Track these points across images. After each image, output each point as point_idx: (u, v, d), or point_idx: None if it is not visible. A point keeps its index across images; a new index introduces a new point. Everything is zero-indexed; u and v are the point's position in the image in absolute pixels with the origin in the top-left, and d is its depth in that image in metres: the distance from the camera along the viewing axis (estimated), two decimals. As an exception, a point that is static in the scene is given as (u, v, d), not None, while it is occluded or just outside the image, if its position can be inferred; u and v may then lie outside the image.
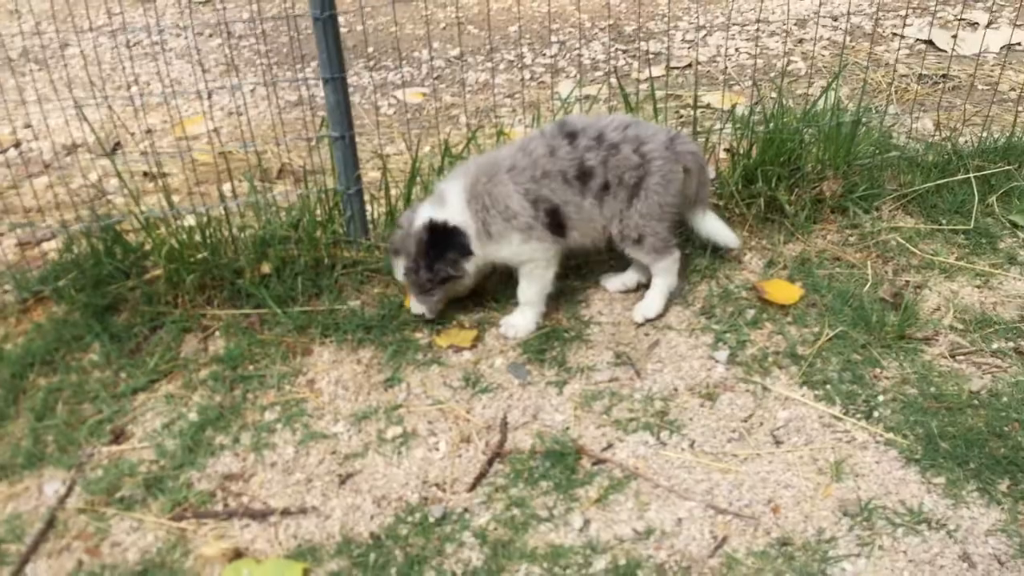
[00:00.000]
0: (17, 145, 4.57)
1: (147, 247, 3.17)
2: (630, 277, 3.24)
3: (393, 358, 3.02)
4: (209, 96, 4.93)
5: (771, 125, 3.54)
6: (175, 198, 3.60)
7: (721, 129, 3.77)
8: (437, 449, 2.71)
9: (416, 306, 3.03)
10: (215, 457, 2.70)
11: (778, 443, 2.70)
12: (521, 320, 3.06)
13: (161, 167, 3.98)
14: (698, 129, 3.61)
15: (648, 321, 3.11)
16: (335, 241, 3.32)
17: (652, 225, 2.99)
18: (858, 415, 2.77)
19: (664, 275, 3.10)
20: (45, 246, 3.49)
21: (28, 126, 4.70)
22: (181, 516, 2.53)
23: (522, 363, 2.99)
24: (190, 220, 3.20)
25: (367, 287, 3.28)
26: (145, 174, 4.12)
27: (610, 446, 2.70)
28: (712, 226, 3.22)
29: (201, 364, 3.01)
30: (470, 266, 2.94)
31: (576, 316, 3.18)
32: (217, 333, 3.12)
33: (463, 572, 2.35)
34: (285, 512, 2.53)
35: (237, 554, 2.42)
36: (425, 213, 2.89)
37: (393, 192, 3.44)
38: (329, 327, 3.11)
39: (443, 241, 2.87)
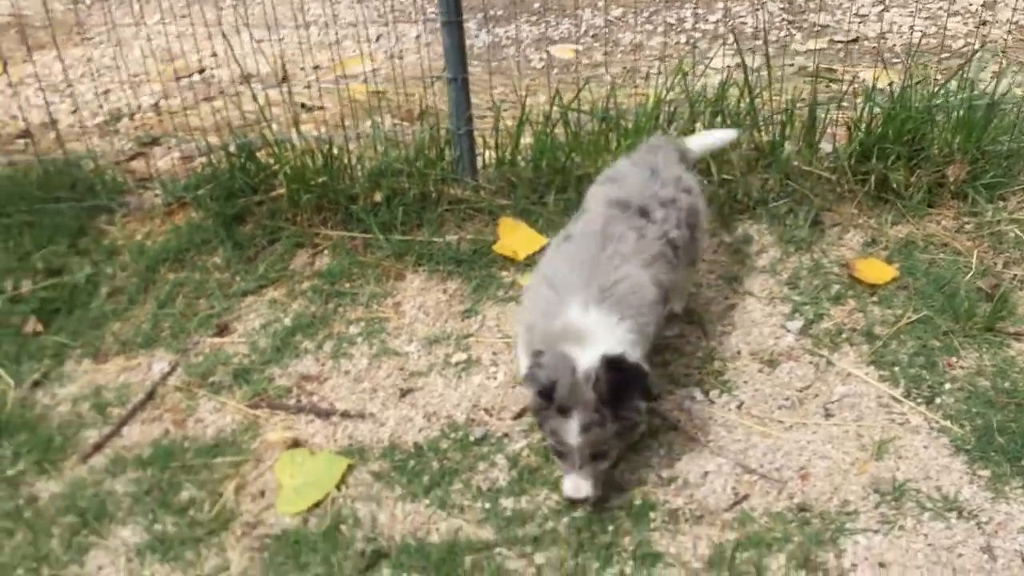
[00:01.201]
0: (201, 71, 5.06)
1: (275, 167, 3.49)
2: None
3: (476, 291, 3.20)
4: (373, 40, 5.26)
5: (897, 102, 3.43)
6: (322, 129, 3.91)
7: (839, 102, 3.67)
8: (494, 378, 2.88)
9: (579, 486, 2.35)
10: (298, 359, 2.99)
11: (828, 416, 2.69)
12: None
13: (312, 100, 4.32)
14: (818, 101, 3.54)
15: (675, 314, 2.96)
16: (443, 178, 3.53)
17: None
18: (919, 399, 2.70)
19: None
20: (199, 160, 3.90)
21: (214, 55, 5.19)
22: (257, 405, 2.84)
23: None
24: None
25: (467, 224, 3.47)
26: (303, 105, 4.47)
27: (657, 396, 2.77)
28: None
29: (305, 277, 3.31)
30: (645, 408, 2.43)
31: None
32: (325, 251, 3.41)
33: (488, 488, 2.52)
34: (346, 414, 2.78)
35: (296, 444, 2.70)
36: (584, 354, 2.30)
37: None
38: (424, 256, 3.33)
39: (625, 380, 2.29)
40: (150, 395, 2.90)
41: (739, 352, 2.92)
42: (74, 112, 4.56)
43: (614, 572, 2.29)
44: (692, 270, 2.97)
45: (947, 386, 2.73)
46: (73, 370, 3.01)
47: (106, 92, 4.70)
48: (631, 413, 2.33)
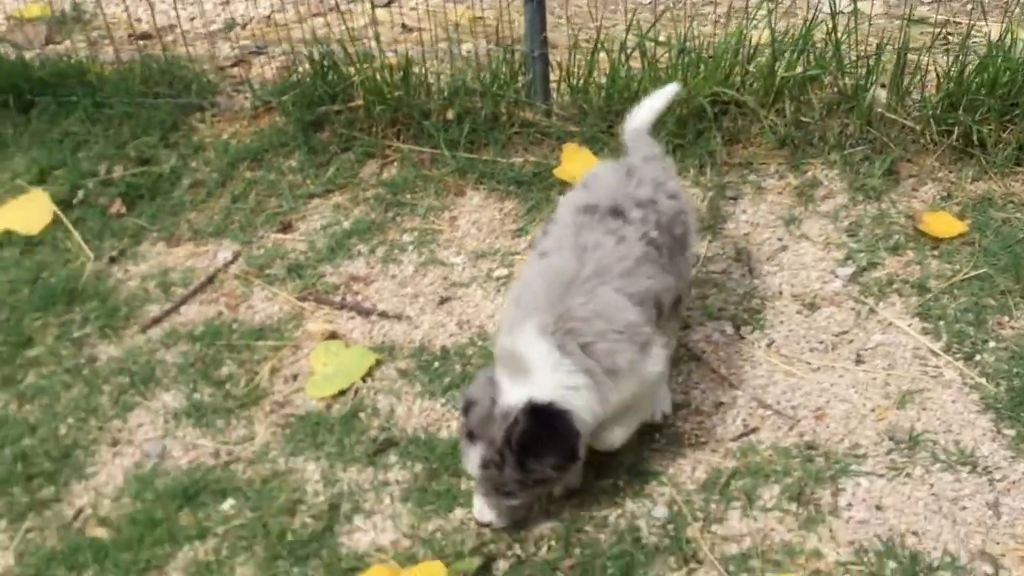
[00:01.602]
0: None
1: (354, 78, 3.61)
2: None
3: (529, 212, 3.26)
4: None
5: (995, 52, 3.26)
6: (418, 47, 3.99)
7: (928, 48, 3.49)
8: (532, 294, 2.93)
9: (483, 512, 2.18)
10: (350, 260, 3.13)
11: (859, 362, 2.64)
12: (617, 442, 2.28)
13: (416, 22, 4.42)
14: (909, 48, 3.39)
15: (667, 416, 2.49)
16: (515, 100, 3.57)
17: (690, 270, 2.57)
18: (958, 355, 2.62)
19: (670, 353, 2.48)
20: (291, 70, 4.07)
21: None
22: (305, 298, 2.99)
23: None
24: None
25: (533, 148, 3.51)
26: (403, 26, 4.58)
27: (686, 327, 2.78)
28: None
29: (371, 185, 3.44)
30: (574, 469, 2.18)
31: (719, 212, 3.21)
32: (394, 163, 3.52)
33: (503, 394, 2.60)
34: (384, 314, 2.91)
35: (333, 336, 2.84)
36: (510, 389, 2.07)
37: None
38: (486, 175, 3.40)
39: (546, 434, 2.04)
40: (211, 279, 3.09)
41: (781, 292, 2.88)
42: (192, 20, 4.80)
43: (607, 483, 2.34)
44: (675, 315, 2.46)
45: (991, 344, 2.63)
46: (147, 251, 3.24)
47: (227, 1, 4.92)
48: (541, 469, 2.05)
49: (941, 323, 2.72)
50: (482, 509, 2.17)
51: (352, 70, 3.63)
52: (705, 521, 2.25)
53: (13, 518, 2.36)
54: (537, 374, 2.04)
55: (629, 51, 3.51)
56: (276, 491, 2.38)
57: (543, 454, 2.04)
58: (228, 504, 2.36)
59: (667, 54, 3.53)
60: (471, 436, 2.10)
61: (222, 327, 2.89)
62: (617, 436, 2.23)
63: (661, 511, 2.27)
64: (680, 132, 3.42)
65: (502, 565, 2.17)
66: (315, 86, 3.65)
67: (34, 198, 3.45)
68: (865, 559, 2.14)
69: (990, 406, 2.46)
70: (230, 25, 4.75)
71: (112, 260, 3.21)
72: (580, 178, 2.60)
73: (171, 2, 4.33)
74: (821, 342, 2.71)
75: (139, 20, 4.64)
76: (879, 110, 3.39)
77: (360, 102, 3.62)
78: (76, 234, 3.29)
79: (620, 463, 2.38)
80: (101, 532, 2.30)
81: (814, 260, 2.99)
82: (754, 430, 2.46)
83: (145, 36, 4.43)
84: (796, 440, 2.43)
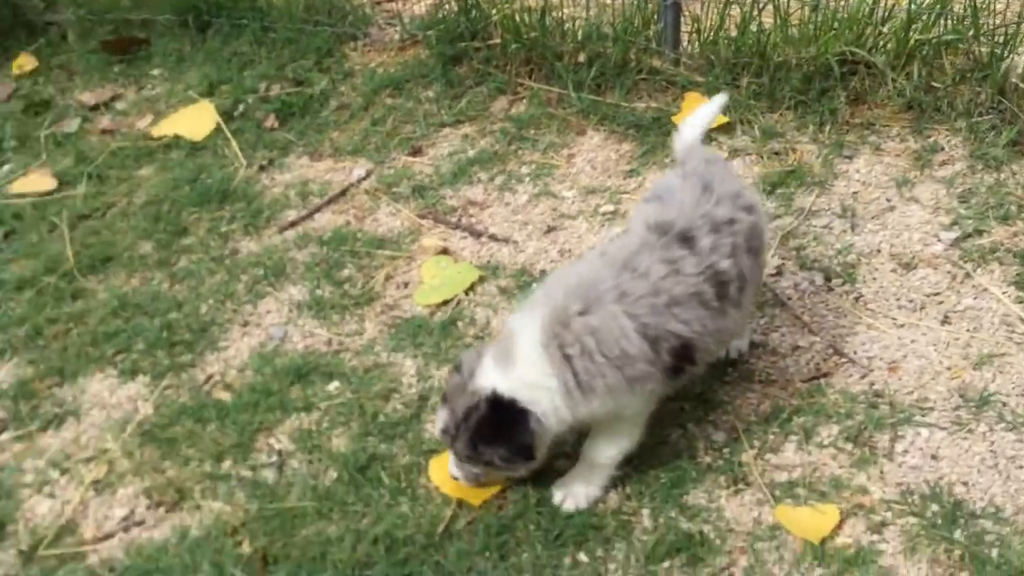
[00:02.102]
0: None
1: (495, 18, 3.83)
2: None
3: (644, 155, 3.40)
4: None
5: None
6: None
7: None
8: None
9: (452, 467, 2.28)
10: (470, 186, 3.37)
11: (944, 322, 2.69)
12: (586, 488, 2.29)
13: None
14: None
15: (742, 353, 2.61)
16: (645, 47, 3.71)
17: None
18: (1047, 326, 2.63)
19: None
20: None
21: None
22: (424, 216, 3.26)
23: (749, 188, 3.22)
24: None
25: (657, 95, 3.64)
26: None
27: (777, 274, 2.89)
28: None
29: (498, 119, 3.66)
30: (530, 465, 2.22)
31: (832, 169, 3.26)
32: (523, 100, 3.73)
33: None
34: (493, 237, 3.14)
35: (444, 252, 3.10)
36: (488, 371, 2.13)
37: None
38: (608, 118, 3.56)
39: (502, 427, 2.11)
40: (344, 192, 3.40)
41: (879, 251, 2.94)
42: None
43: (674, 406, 2.51)
44: (747, 306, 2.41)
45: (1084, 318, 2.63)
46: (292, 162, 3.58)
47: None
48: (490, 456, 2.14)
49: (1037, 294, 2.73)
50: (452, 465, 2.27)
51: (493, 10, 3.85)
52: (760, 449, 2.39)
53: (155, 376, 2.74)
54: (516, 364, 2.09)
55: (762, 5, 3.58)
56: (375, 379, 2.67)
57: (494, 443, 2.12)
58: (333, 385, 2.66)
59: (800, 10, 3.58)
60: (444, 399, 2.22)
61: (348, 235, 3.20)
62: (602, 452, 2.25)
63: (720, 436, 2.43)
64: (804, 88, 3.48)
65: (562, 464, 2.38)
66: (458, 22, 3.88)
67: (202, 108, 3.85)
68: (909, 500, 2.23)
69: (1069, 376, 2.48)
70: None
71: (261, 168, 3.57)
72: (652, 187, 2.58)
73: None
74: (911, 301, 2.77)
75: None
76: (1014, 80, 3.34)
77: (497, 40, 3.84)
78: (234, 143, 3.66)
79: (689, 391, 2.54)
80: (225, 395, 2.65)
81: (919, 223, 3.02)
82: (825, 375, 2.57)
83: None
84: (865, 388, 2.52)
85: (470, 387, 2.14)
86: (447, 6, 3.95)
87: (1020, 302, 2.72)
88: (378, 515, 2.28)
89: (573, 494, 2.27)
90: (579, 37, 3.76)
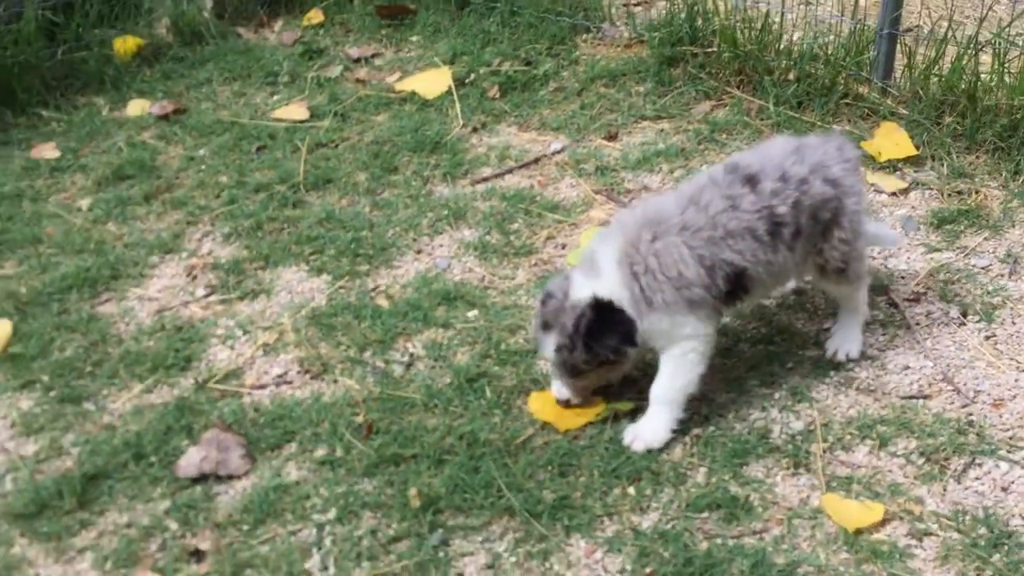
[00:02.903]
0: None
1: (716, 26, 4.09)
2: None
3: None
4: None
5: None
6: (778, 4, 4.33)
7: None
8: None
9: (560, 390, 2.61)
10: (650, 174, 3.66)
11: (1070, 376, 2.67)
12: (652, 426, 2.55)
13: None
14: None
15: (851, 360, 2.75)
16: (856, 74, 3.82)
17: (855, 248, 2.66)
18: None
19: (860, 304, 2.78)
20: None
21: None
22: (599, 192, 3.60)
23: (915, 218, 3.29)
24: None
25: (857, 120, 3.75)
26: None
27: (915, 300, 2.96)
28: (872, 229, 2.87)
29: (696, 120, 3.92)
30: (632, 355, 2.56)
31: (1012, 217, 3.26)
32: (726, 106, 3.96)
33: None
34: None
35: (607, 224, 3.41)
36: (581, 285, 2.49)
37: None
38: (800, 133, 3.70)
39: (607, 323, 2.46)
40: (536, 160, 3.80)
41: (1030, 298, 2.94)
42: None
43: (764, 393, 2.68)
44: (841, 279, 2.69)
45: None
46: (502, 129, 4.02)
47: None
48: (605, 351, 2.47)
49: None
50: (560, 388, 2.61)
51: (716, 20, 4.10)
52: (832, 445, 2.52)
53: (335, 276, 3.25)
54: (603, 276, 2.46)
55: (979, 46, 3.60)
56: (509, 315, 3.03)
57: (605, 338, 2.46)
58: (472, 312, 3.05)
59: (1020, 56, 3.56)
60: (546, 326, 2.54)
61: (528, 195, 3.59)
62: (666, 388, 2.53)
63: (798, 424, 2.58)
64: (1007, 135, 3.50)
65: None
66: (681, 28, 4.17)
67: (441, 73, 4.38)
68: (960, 518, 2.30)
69: None
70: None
71: (474, 129, 4.04)
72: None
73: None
74: (1044, 350, 2.77)
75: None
76: None
77: (714, 49, 4.09)
78: (457, 105, 4.16)
79: (784, 382, 2.70)
80: (384, 302, 3.11)
81: (1083, 281, 2.98)
82: (926, 397, 2.65)
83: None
84: (960, 415, 2.58)
85: (569, 303, 2.50)
86: (675, 10, 4.25)
87: None
88: (471, 418, 2.64)
89: (641, 435, 2.54)
90: (792, 55, 3.94)
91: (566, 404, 2.64)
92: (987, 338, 2.83)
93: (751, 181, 2.53)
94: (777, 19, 3.97)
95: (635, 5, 4.88)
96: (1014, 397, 2.63)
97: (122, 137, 4.13)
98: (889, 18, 3.69)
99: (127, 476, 2.54)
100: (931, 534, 2.28)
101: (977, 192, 3.39)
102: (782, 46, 3.98)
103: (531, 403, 2.70)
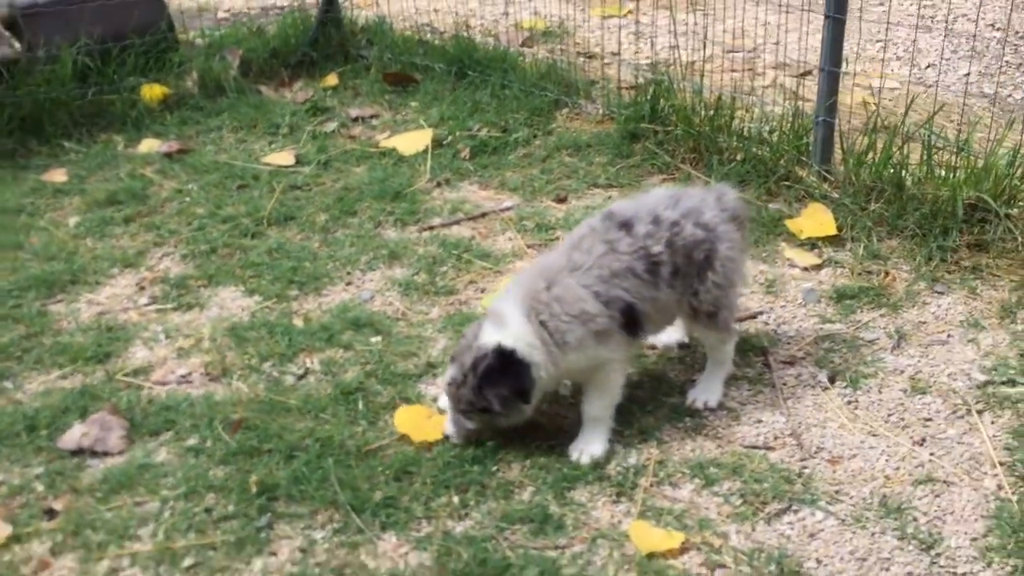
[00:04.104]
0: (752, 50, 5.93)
1: (672, 106, 4.33)
2: (671, 335, 3.18)
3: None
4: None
5: None
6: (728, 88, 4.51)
7: None
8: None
9: (448, 426, 2.77)
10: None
11: (918, 443, 2.75)
12: (593, 440, 2.74)
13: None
14: None
15: (708, 409, 2.89)
16: (797, 159, 4.00)
17: (727, 295, 2.86)
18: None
19: (726, 357, 2.96)
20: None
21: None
22: (532, 246, 3.81)
23: (817, 291, 3.41)
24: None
25: (793, 201, 3.91)
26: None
27: (789, 364, 3.07)
28: None
29: (646, 189, 4.13)
30: (524, 410, 2.70)
31: (914, 299, 3.35)
32: (675, 179, 4.17)
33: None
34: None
35: (528, 274, 3.62)
36: (489, 332, 2.65)
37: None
38: (734, 209, 3.89)
39: (505, 373, 2.61)
40: (484, 215, 4.06)
41: (903, 372, 3.03)
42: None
43: (619, 426, 2.82)
44: (711, 324, 2.87)
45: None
46: (464, 186, 4.31)
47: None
48: (494, 400, 2.61)
49: None
50: (448, 424, 2.77)
51: (675, 100, 4.35)
52: (661, 479, 2.65)
53: (265, 298, 3.51)
54: (510, 327, 2.63)
55: (907, 137, 3.74)
56: (408, 343, 3.24)
57: (497, 385, 2.62)
58: (376, 339, 3.27)
59: (943, 150, 3.69)
60: (452, 359, 2.73)
61: (465, 244, 3.83)
62: (593, 405, 2.75)
63: (633, 459, 2.71)
64: (927, 224, 3.60)
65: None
66: (643, 108, 4.43)
67: (424, 134, 4.71)
68: (756, 555, 2.39)
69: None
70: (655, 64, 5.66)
71: (438, 184, 4.33)
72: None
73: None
74: (900, 419, 2.84)
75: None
76: None
77: (672, 127, 4.32)
78: (428, 162, 4.47)
79: (637, 422, 2.84)
80: (299, 322, 3.37)
81: (962, 360, 3.06)
82: (768, 448, 2.75)
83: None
84: (795, 467, 2.67)
85: (476, 345, 2.67)
86: (639, 95, 4.51)
87: (1005, 448, 2.69)
88: (337, 425, 2.85)
89: (585, 450, 2.72)
90: (743, 136, 4.14)
91: (447, 439, 2.78)
92: (848, 403, 2.92)
93: (626, 226, 2.77)
94: (728, 103, 4.19)
95: (618, 89, 5.16)
96: (853, 456, 2.71)
97: (126, 169, 4.56)
98: (824, 105, 3.87)
99: (16, 444, 2.82)
100: (723, 566, 2.37)
101: (887, 274, 3.49)
102: (733, 127, 4.19)
103: (396, 416, 2.89)
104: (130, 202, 4.25)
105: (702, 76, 4.33)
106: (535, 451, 2.74)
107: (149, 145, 4.80)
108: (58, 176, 4.54)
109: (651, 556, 2.39)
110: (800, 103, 4.10)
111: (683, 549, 2.41)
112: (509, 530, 2.49)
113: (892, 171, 3.73)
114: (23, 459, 2.77)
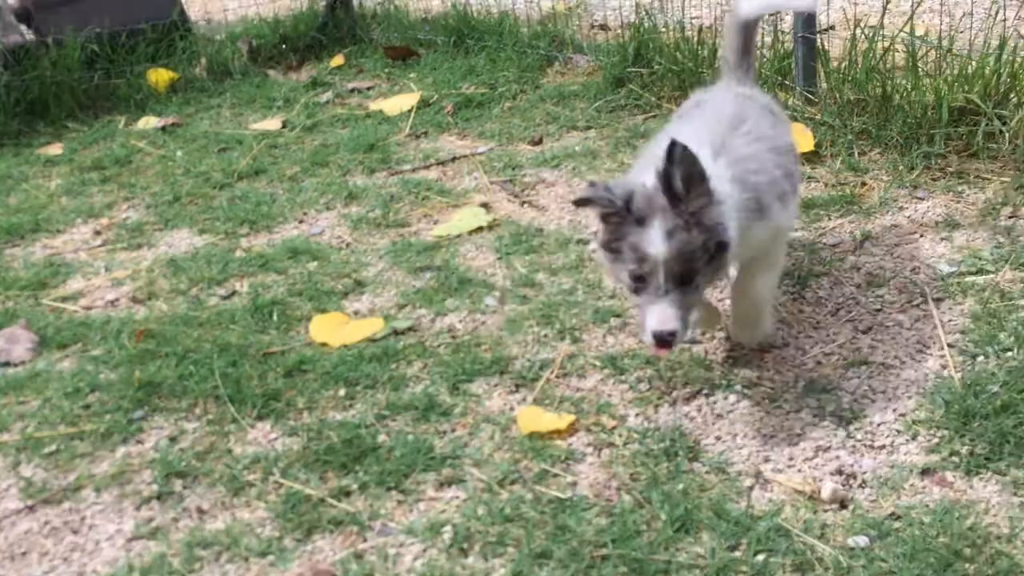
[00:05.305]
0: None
1: (655, 46, 4.16)
2: None
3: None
4: None
5: None
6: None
7: None
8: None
9: (668, 316, 2.04)
10: (554, 170, 3.71)
11: (863, 331, 2.47)
12: (763, 321, 2.38)
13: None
14: None
15: None
16: (780, 82, 3.76)
17: None
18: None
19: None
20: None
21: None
22: (495, 183, 3.67)
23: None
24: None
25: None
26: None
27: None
28: None
29: (622, 130, 3.97)
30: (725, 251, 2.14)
31: (891, 205, 3.09)
32: (656, 118, 3.98)
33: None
34: (527, 202, 3.45)
35: (484, 205, 3.48)
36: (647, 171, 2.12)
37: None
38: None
39: (695, 166, 2.04)
40: (455, 159, 3.94)
41: (859, 269, 2.78)
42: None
43: (538, 331, 2.64)
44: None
45: None
46: (442, 137, 4.20)
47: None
48: (702, 206, 2.04)
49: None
50: (664, 316, 2.03)
51: (660, 38, 4.17)
52: (568, 372, 2.46)
53: (215, 236, 3.47)
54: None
55: (888, 44, 3.48)
56: (342, 266, 3.14)
57: (698, 183, 2.03)
58: (313, 264, 3.18)
59: (929, 52, 3.42)
60: (640, 220, 2.05)
61: (427, 184, 3.72)
62: (760, 287, 2.32)
63: (546, 355, 2.52)
64: (912, 133, 3.32)
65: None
66: (628, 49, 4.27)
67: (411, 96, 4.65)
68: (650, 434, 2.16)
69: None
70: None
71: (416, 136, 4.24)
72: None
73: None
74: (850, 312, 2.57)
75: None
76: None
77: (656, 67, 4.14)
78: (411, 119, 4.39)
79: (558, 321, 2.65)
80: (241, 253, 3.31)
81: (931, 255, 2.81)
82: (696, 342, 2.52)
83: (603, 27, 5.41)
84: (720, 358, 2.43)
85: (652, 189, 2.08)
86: (625, 39, 4.35)
87: (961, 332, 2.40)
88: (243, 333, 2.75)
89: (757, 334, 2.39)
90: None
91: (669, 344, 2.07)
92: (794, 300, 2.66)
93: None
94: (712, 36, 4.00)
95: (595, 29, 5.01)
96: (786, 345, 2.46)
97: (119, 141, 4.62)
98: (801, 22, 3.64)
99: (-76, 355, 2.81)
100: (612, 445, 2.17)
101: (864, 184, 3.22)
102: (716, 61, 3.98)
103: (312, 323, 2.78)
104: (113, 167, 4.29)
105: (683, 9, 4.15)
106: (440, 350, 2.58)
107: (146, 121, 4.86)
108: (54, 149, 4.63)
109: (532, 436, 2.19)
110: (779, 24, 3.87)
111: (572, 431, 2.21)
112: (390, 418, 2.33)
113: (875, 83, 3.46)
114: (-74, 367, 2.76)
